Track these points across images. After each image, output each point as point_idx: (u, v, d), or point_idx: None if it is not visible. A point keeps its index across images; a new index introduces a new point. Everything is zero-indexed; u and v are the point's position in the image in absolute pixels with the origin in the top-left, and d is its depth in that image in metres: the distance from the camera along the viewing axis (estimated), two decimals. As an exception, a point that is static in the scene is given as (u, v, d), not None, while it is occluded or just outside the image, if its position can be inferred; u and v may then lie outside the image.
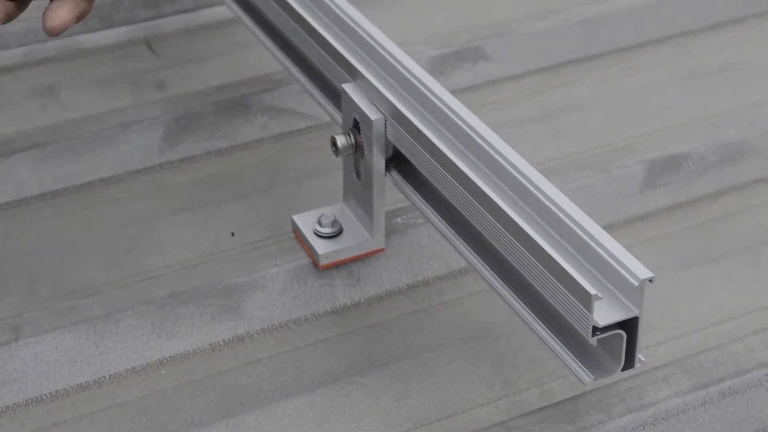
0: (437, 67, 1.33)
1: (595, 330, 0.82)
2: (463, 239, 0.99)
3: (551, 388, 1.00)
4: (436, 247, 1.10)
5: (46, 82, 1.36)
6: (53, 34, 1.04)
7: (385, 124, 1.02)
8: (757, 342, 1.01)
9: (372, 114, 1.01)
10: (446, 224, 1.01)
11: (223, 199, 1.20)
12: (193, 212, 1.19)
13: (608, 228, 0.89)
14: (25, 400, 1.00)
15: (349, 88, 1.04)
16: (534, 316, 0.92)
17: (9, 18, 1.05)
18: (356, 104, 1.03)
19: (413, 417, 0.99)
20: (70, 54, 1.40)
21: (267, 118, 1.28)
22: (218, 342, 1.05)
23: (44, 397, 1.00)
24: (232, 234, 1.16)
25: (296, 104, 1.28)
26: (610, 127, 1.30)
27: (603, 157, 1.22)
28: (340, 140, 1.05)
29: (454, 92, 1.00)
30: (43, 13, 1.04)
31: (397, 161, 1.04)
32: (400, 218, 1.12)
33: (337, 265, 1.09)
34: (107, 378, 1.02)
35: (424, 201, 1.03)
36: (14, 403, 0.99)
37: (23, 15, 1.35)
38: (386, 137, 1.02)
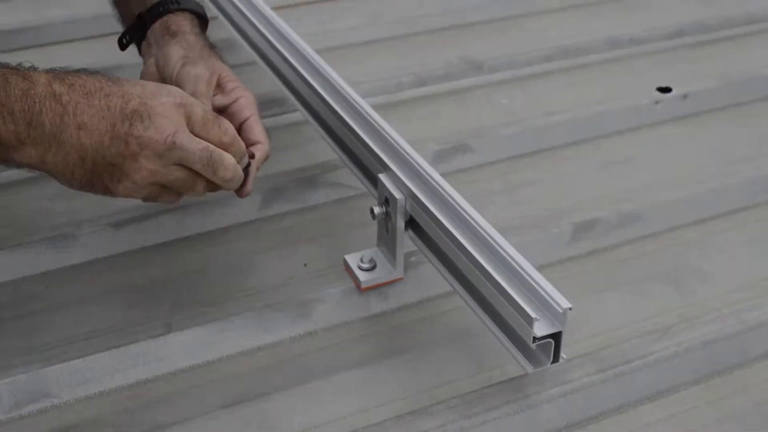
0: (440, 156, 1.34)
1: (534, 339, 0.86)
2: (450, 273, 1.02)
3: (508, 369, 1.02)
4: (435, 277, 1.09)
5: None
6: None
7: (405, 201, 1.04)
8: (638, 342, 1.03)
9: (397, 194, 1.04)
10: (440, 262, 1.03)
11: (299, 242, 1.21)
12: (279, 250, 1.19)
13: (547, 266, 0.92)
14: (174, 370, 1.02)
15: (383, 177, 1.06)
16: (496, 325, 0.95)
17: None
18: (387, 188, 1.05)
19: (419, 385, 1.02)
20: None
21: (328, 189, 1.28)
22: (296, 335, 1.07)
23: (185, 369, 1.02)
24: (305, 265, 1.17)
25: (347, 180, 1.27)
26: (551, 199, 1.30)
27: (545, 220, 1.23)
28: (377, 210, 1.07)
29: (450, 173, 1.01)
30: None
31: (412, 222, 1.05)
32: (413, 258, 1.13)
33: (373, 288, 1.10)
34: (225, 357, 1.04)
35: (426, 248, 1.05)
36: (166, 372, 1.02)
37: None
38: (406, 209, 1.04)
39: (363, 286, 1.10)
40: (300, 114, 1.31)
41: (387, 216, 1.08)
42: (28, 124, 0.86)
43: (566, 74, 1.62)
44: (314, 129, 1.25)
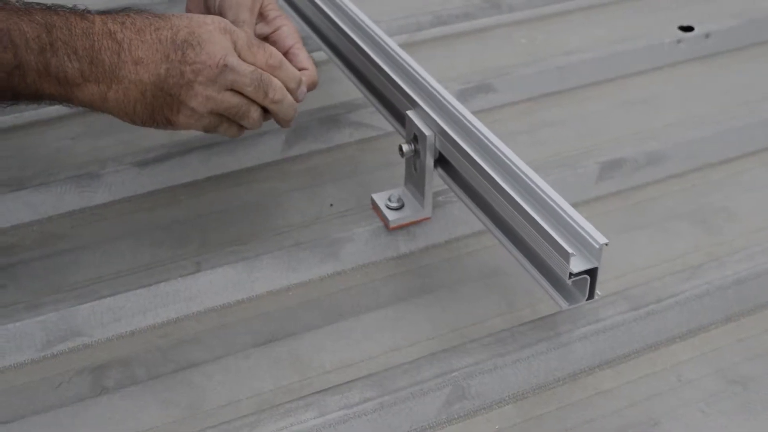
0: (462, 96, 1.33)
1: (571, 275, 0.85)
2: (482, 210, 1.01)
3: (539, 308, 1.02)
4: (464, 216, 1.10)
5: None
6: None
7: (435, 138, 1.03)
8: (669, 281, 1.03)
9: (426, 131, 1.02)
10: (471, 201, 1.02)
11: (324, 182, 1.20)
12: (305, 190, 1.18)
13: (574, 206, 0.90)
14: (205, 309, 1.02)
15: (411, 113, 1.05)
16: (530, 262, 0.94)
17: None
18: (416, 125, 1.04)
19: (450, 324, 1.02)
20: None
21: (352, 129, 1.27)
22: (325, 275, 1.07)
23: (216, 308, 1.03)
24: (331, 205, 1.16)
25: (370, 120, 1.27)
26: (575, 139, 1.29)
27: (571, 159, 1.22)
28: (405, 147, 1.05)
29: (473, 113, 1.01)
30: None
31: (441, 160, 1.04)
32: (441, 197, 1.12)
33: (401, 228, 1.10)
34: (255, 297, 1.04)
35: (457, 186, 1.04)
36: (196, 311, 1.02)
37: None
38: (435, 146, 1.03)
39: (391, 225, 1.09)
40: (320, 53, 1.29)
41: (415, 154, 1.07)
42: (90, 62, 0.89)
43: (586, 13, 1.60)
44: (338, 68, 1.23)
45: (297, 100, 1.02)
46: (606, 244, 0.86)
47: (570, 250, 0.86)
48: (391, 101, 1.12)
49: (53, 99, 0.92)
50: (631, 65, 1.45)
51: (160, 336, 1.00)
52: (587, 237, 0.87)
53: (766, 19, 1.54)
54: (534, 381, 0.95)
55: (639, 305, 1.00)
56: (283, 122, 1.03)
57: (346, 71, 1.22)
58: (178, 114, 0.93)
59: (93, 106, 0.92)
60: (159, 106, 0.93)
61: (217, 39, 0.92)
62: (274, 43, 1.06)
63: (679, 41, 1.48)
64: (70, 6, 0.92)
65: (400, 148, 1.07)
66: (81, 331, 0.99)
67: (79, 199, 1.16)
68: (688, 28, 1.51)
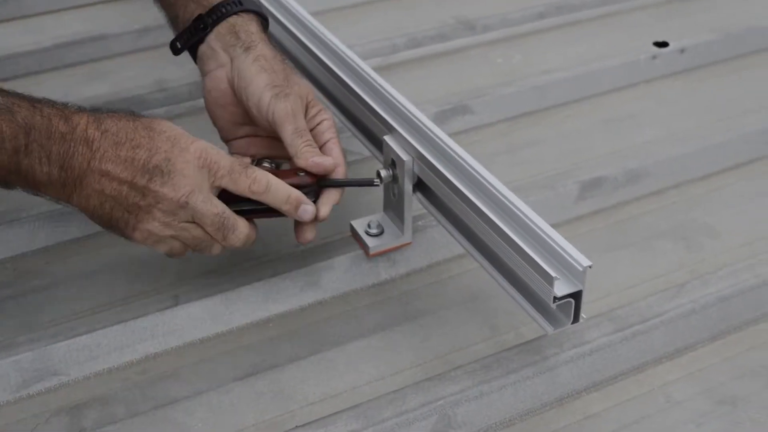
0: (439, 119, 1.32)
1: (555, 299, 0.85)
2: (462, 234, 1.00)
3: (523, 331, 1.02)
4: (444, 240, 1.09)
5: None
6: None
7: (413, 163, 1.02)
8: (653, 300, 1.03)
9: (404, 156, 1.02)
10: (451, 225, 1.02)
11: None
12: (284, 218, 1.09)
13: (554, 226, 0.89)
14: (184, 343, 1.01)
15: (388, 138, 1.04)
16: (513, 287, 0.94)
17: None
18: (393, 149, 1.03)
19: (434, 351, 1.00)
20: (197, 110, 1.32)
21: None
22: (305, 305, 1.06)
23: (195, 342, 1.01)
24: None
25: (347, 145, 1.21)
26: (554, 159, 1.28)
27: (550, 179, 1.21)
28: (383, 173, 1.04)
29: (451, 136, 0.99)
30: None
31: (420, 185, 1.04)
32: (421, 222, 1.11)
33: (381, 254, 1.09)
34: (235, 329, 1.03)
35: (436, 210, 1.03)
36: (175, 346, 1.01)
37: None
38: (413, 171, 1.02)
39: (371, 252, 1.08)
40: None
41: (394, 179, 1.06)
42: (60, 166, 0.91)
43: (561, 31, 1.60)
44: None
45: (300, 218, 1.01)
46: (590, 267, 0.85)
47: (553, 274, 0.85)
48: (368, 126, 1.11)
49: (22, 190, 0.94)
50: (608, 82, 1.45)
51: (138, 372, 0.99)
52: (570, 260, 0.87)
53: (740, 33, 1.55)
54: (521, 407, 0.94)
55: (624, 326, 1.00)
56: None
57: (322, 97, 1.21)
58: (134, 231, 0.95)
59: (58, 202, 0.95)
60: (116, 219, 0.94)
61: (189, 172, 0.93)
62: (313, 136, 1.05)
63: (654, 57, 1.48)
64: (62, 103, 0.93)
65: (378, 174, 1.06)
66: (57, 370, 0.97)
67: (53, 234, 1.14)
68: (663, 44, 1.52)
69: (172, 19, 1.15)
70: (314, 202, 1.02)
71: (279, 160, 1.09)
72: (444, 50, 1.53)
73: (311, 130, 1.05)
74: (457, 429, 0.92)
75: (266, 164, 1.06)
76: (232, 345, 1.02)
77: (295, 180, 1.01)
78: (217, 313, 1.03)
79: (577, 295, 0.87)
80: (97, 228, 1.12)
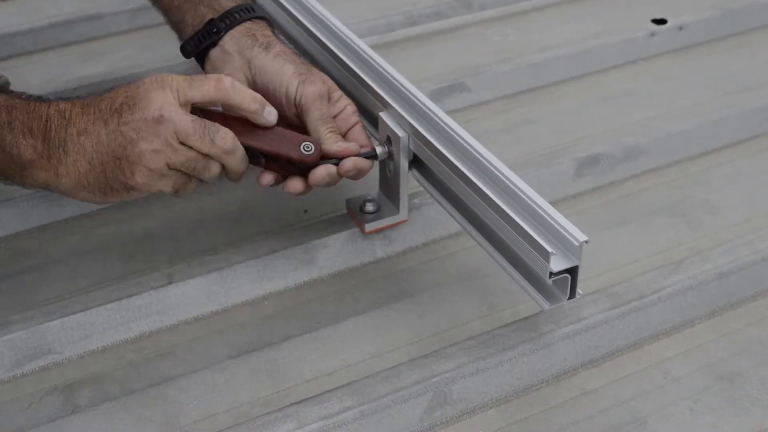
0: (436, 96, 1.31)
1: (551, 274, 0.84)
2: (458, 211, 0.99)
3: (520, 308, 1.01)
4: (440, 218, 1.09)
5: None
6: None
7: (408, 139, 1.01)
8: (651, 276, 1.01)
9: (400, 133, 1.01)
10: (447, 202, 1.01)
11: None
12: (278, 196, 1.11)
13: (552, 203, 0.88)
14: (178, 322, 1.01)
15: (383, 115, 1.03)
16: (509, 263, 0.93)
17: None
18: (389, 126, 1.02)
19: (430, 328, 1.00)
20: None
21: None
22: (301, 283, 1.06)
23: (189, 320, 1.01)
24: (305, 211, 1.15)
25: None
26: (551, 136, 1.28)
27: (547, 157, 1.20)
28: (379, 150, 1.03)
29: (448, 113, 0.99)
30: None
31: (416, 162, 1.03)
32: (417, 199, 1.11)
33: (377, 232, 1.08)
34: (230, 307, 1.03)
35: (432, 187, 1.03)
36: (170, 324, 1.01)
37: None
38: (409, 147, 1.02)
39: (367, 229, 1.07)
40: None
41: (389, 156, 1.05)
42: (42, 138, 0.91)
43: (558, 8, 1.60)
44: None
45: (263, 124, 0.98)
46: (586, 242, 0.85)
47: (550, 249, 0.85)
48: (363, 103, 1.10)
49: (7, 178, 0.94)
50: (606, 60, 1.45)
51: (133, 351, 0.98)
52: (567, 235, 0.86)
53: (739, 9, 1.54)
54: (517, 383, 0.94)
55: (621, 302, 0.99)
56: (232, 175, 0.99)
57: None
58: (133, 176, 0.92)
59: (49, 186, 0.93)
60: (111, 173, 0.92)
61: (152, 95, 0.92)
62: (339, 121, 1.05)
63: (652, 34, 1.48)
64: (36, 95, 0.95)
65: (374, 151, 1.04)
66: (51, 348, 0.96)
67: (47, 214, 1.14)
68: (661, 21, 1.50)
69: (177, 22, 1.13)
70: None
71: None
72: (441, 28, 1.53)
73: (335, 117, 1.05)
74: (453, 405, 0.91)
75: (308, 149, 1.04)
76: (227, 323, 1.02)
77: (298, 155, 0.99)
78: (212, 291, 1.03)
79: (573, 271, 0.86)
80: (91, 207, 1.14)
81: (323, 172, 1.00)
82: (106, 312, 0.99)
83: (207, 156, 0.95)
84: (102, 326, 0.98)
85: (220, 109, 0.98)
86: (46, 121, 0.91)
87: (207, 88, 0.94)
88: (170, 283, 1.02)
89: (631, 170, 1.22)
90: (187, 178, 0.96)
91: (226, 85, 0.95)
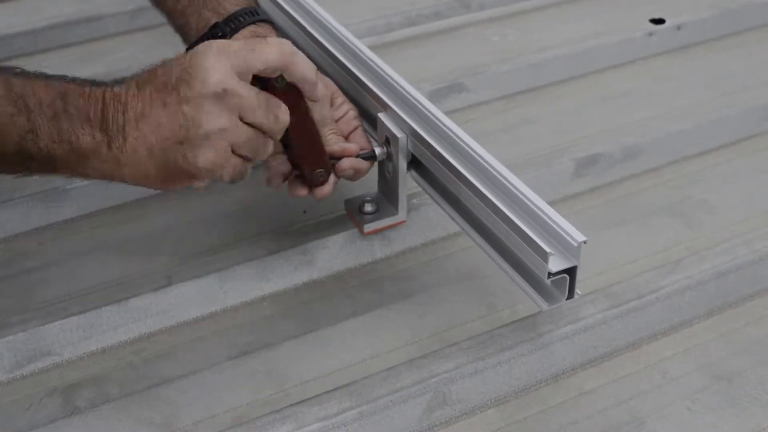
0: (434, 97, 1.31)
1: (549, 274, 0.84)
2: (457, 212, 0.99)
3: (519, 309, 1.01)
4: (439, 218, 1.09)
5: None
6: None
7: (407, 140, 1.01)
8: (649, 276, 1.01)
9: (398, 133, 1.01)
10: (446, 203, 1.01)
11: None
12: (277, 197, 1.13)
13: (551, 204, 0.88)
14: (177, 323, 1.01)
15: (382, 116, 1.03)
16: (508, 263, 0.93)
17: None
18: (387, 127, 1.02)
19: (429, 329, 1.00)
20: None
21: None
22: (300, 283, 1.05)
23: (189, 321, 1.01)
24: (304, 212, 1.14)
25: None
26: (550, 136, 1.28)
27: (546, 157, 1.20)
28: (378, 150, 1.03)
29: (447, 113, 0.99)
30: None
31: (414, 163, 1.03)
32: (415, 200, 1.10)
33: (376, 232, 1.08)
34: (229, 308, 1.03)
35: (431, 188, 1.02)
36: (169, 325, 1.00)
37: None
38: (408, 148, 1.02)
39: (366, 230, 1.07)
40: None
41: (388, 156, 1.05)
42: (100, 124, 0.86)
43: (557, 8, 1.59)
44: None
45: (315, 99, 0.94)
46: (584, 242, 0.85)
47: (548, 249, 0.85)
48: (362, 104, 1.10)
49: (66, 169, 0.88)
50: (605, 60, 1.44)
51: (132, 352, 0.98)
52: (565, 235, 0.86)
53: (737, 9, 1.54)
54: (516, 384, 0.94)
55: (620, 302, 0.99)
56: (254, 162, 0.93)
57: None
58: (196, 159, 0.85)
59: (110, 176, 0.89)
60: (173, 160, 0.86)
61: (210, 64, 0.84)
62: (341, 124, 1.04)
63: (651, 34, 1.48)
64: (90, 79, 0.89)
65: (373, 152, 1.05)
66: (50, 350, 0.96)
67: (46, 215, 1.13)
68: (659, 21, 1.50)
69: (182, 26, 1.12)
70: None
71: None
72: (439, 28, 1.53)
73: (337, 120, 1.04)
74: (452, 406, 0.91)
75: None
76: (226, 324, 1.02)
77: (312, 177, 1.00)
78: (211, 292, 1.03)
79: (571, 271, 0.86)
80: (91, 208, 1.14)
81: (328, 189, 1.00)
82: (106, 313, 0.99)
83: (266, 134, 0.89)
84: (101, 327, 0.98)
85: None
86: (102, 106, 0.86)
87: (270, 55, 0.87)
88: (169, 284, 1.02)
89: (630, 170, 1.22)
90: (246, 161, 0.90)
91: (289, 50, 0.88)
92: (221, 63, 0.85)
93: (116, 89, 0.87)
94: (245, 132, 0.87)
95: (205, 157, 0.86)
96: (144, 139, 0.85)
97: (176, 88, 0.85)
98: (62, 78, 0.89)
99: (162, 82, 0.86)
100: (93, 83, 0.88)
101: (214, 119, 0.84)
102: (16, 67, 0.89)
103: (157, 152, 0.86)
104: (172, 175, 0.87)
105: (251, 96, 0.86)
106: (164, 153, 0.86)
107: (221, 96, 0.84)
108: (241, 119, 0.87)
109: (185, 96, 0.84)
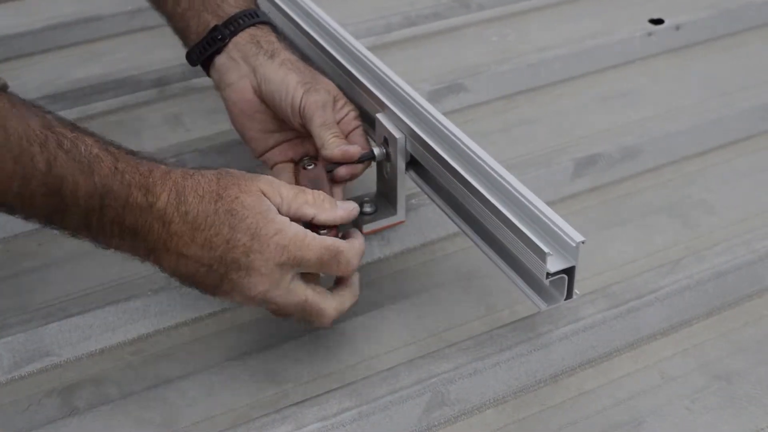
0: (433, 97, 1.31)
1: (548, 275, 0.84)
2: (456, 212, 0.99)
3: (518, 309, 1.01)
4: (438, 219, 1.08)
5: (174, 111, 1.33)
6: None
7: (405, 140, 1.01)
8: (648, 276, 1.01)
9: (396, 134, 1.00)
10: (444, 203, 1.01)
11: None
12: None
13: (550, 204, 0.87)
14: (176, 323, 1.00)
15: (380, 116, 1.03)
16: (506, 263, 0.93)
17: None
18: (386, 127, 1.02)
19: (428, 329, 1.00)
20: (190, 91, 1.36)
21: None
22: (300, 284, 1.05)
23: (188, 321, 1.01)
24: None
25: None
26: (549, 136, 1.28)
27: (545, 157, 1.20)
28: (376, 151, 1.03)
29: (446, 114, 0.99)
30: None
31: (413, 163, 1.03)
32: (414, 200, 1.11)
33: (375, 233, 1.07)
34: (228, 309, 1.02)
35: (430, 188, 1.02)
36: (168, 326, 1.00)
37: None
38: (406, 148, 1.02)
39: (365, 230, 1.06)
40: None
41: (386, 157, 1.04)
42: (134, 237, 0.86)
43: (556, 9, 1.59)
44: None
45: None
46: (583, 242, 0.85)
47: (546, 250, 0.85)
48: (360, 104, 1.10)
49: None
50: (604, 60, 1.44)
51: (131, 353, 0.98)
52: (563, 236, 0.86)
53: (736, 9, 1.54)
54: (515, 384, 0.94)
55: (619, 302, 0.99)
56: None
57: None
58: (214, 296, 0.90)
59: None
60: (196, 285, 0.89)
61: (268, 271, 0.87)
62: (341, 125, 1.04)
63: (649, 34, 1.47)
64: (147, 166, 0.86)
65: (371, 152, 1.04)
66: (49, 350, 0.96)
67: (46, 215, 1.13)
68: (658, 21, 1.50)
69: (182, 29, 1.12)
70: None
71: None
72: (439, 29, 1.52)
73: (338, 123, 1.04)
74: (451, 406, 0.91)
75: (308, 164, 1.04)
76: (225, 325, 1.01)
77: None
78: (210, 293, 1.02)
79: (570, 271, 0.86)
80: None
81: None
82: (105, 314, 0.98)
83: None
84: (100, 328, 0.98)
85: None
86: (144, 223, 0.85)
87: (333, 271, 0.92)
88: (169, 285, 1.01)
89: (629, 170, 1.22)
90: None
91: (346, 272, 0.93)
92: (278, 273, 0.87)
93: (170, 212, 0.85)
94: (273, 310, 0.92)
95: (236, 299, 0.90)
96: (176, 270, 0.88)
97: (227, 266, 0.86)
98: (115, 166, 0.85)
99: (219, 245, 0.86)
100: (144, 183, 0.85)
101: (246, 301, 0.90)
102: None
103: (185, 279, 0.89)
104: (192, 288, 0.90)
105: (291, 305, 0.90)
106: (191, 282, 0.89)
107: (260, 302, 0.89)
108: None
109: (232, 279, 0.87)
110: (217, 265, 0.86)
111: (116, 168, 0.85)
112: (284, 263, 0.87)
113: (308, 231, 0.89)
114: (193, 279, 0.88)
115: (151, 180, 0.85)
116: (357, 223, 1.03)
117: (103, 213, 0.84)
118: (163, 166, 0.88)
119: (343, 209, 0.94)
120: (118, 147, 0.87)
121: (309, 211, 0.91)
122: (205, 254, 0.86)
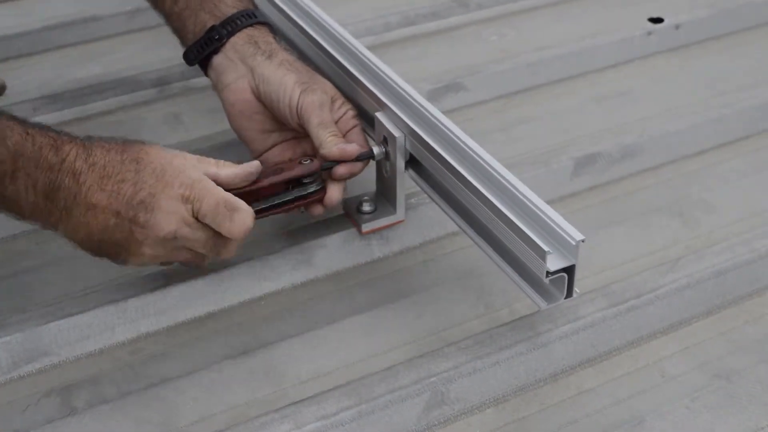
0: (432, 96, 1.31)
1: (548, 273, 0.84)
2: (455, 211, 0.99)
3: (517, 308, 1.01)
4: (437, 218, 1.08)
5: (174, 111, 1.33)
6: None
7: (405, 139, 1.01)
8: (648, 275, 1.02)
9: (396, 133, 1.01)
10: (444, 202, 1.01)
11: None
12: None
13: (549, 203, 0.88)
14: (175, 323, 1.00)
15: (380, 115, 1.03)
16: (505, 262, 0.93)
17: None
18: (385, 126, 1.02)
19: (427, 328, 1.00)
20: (190, 91, 1.36)
21: None
22: (298, 283, 1.05)
23: (186, 321, 1.01)
24: (302, 211, 1.09)
25: None
26: (549, 135, 1.27)
27: (544, 156, 1.20)
28: (376, 150, 1.03)
29: (445, 113, 0.99)
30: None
31: (412, 162, 1.03)
32: (413, 199, 1.10)
33: (374, 232, 1.07)
34: (227, 308, 1.02)
35: (429, 187, 1.02)
36: (167, 326, 1.00)
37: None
38: (406, 147, 1.02)
39: (364, 229, 1.07)
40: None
41: (386, 156, 1.04)
42: (46, 196, 0.89)
43: (555, 8, 1.59)
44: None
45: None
46: (582, 241, 0.84)
47: (546, 248, 0.85)
48: (360, 104, 1.10)
49: (6, 215, 0.92)
50: (603, 59, 1.44)
51: (130, 352, 0.98)
52: (563, 234, 0.86)
53: (735, 8, 1.53)
54: (515, 383, 0.94)
55: (619, 301, 0.98)
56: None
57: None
58: (126, 260, 0.94)
59: (44, 228, 0.93)
60: (106, 250, 0.93)
61: (173, 208, 0.91)
62: (339, 124, 1.05)
63: (649, 33, 1.47)
64: (55, 131, 0.91)
65: (371, 151, 1.04)
66: (48, 350, 0.96)
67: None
68: (657, 20, 1.50)
69: (179, 29, 1.12)
70: (320, 188, 1.02)
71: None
72: (437, 28, 1.52)
73: (336, 122, 1.04)
74: (451, 405, 0.91)
75: (306, 161, 1.04)
76: (224, 323, 1.01)
77: (300, 169, 1.00)
78: (209, 291, 1.02)
79: (570, 270, 0.86)
80: None
81: (320, 210, 1.04)
82: (103, 313, 0.98)
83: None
84: (99, 328, 0.98)
85: None
86: (55, 180, 0.88)
87: (223, 228, 0.94)
88: (167, 284, 1.01)
89: (628, 169, 1.22)
90: (197, 255, 0.97)
91: (235, 235, 0.95)
92: (184, 209, 0.92)
93: (78, 164, 0.89)
94: (183, 255, 0.96)
95: (136, 263, 0.95)
96: (87, 225, 0.91)
97: (134, 209, 0.90)
98: (26, 133, 0.89)
99: (127, 191, 0.90)
100: (55, 144, 0.89)
101: (154, 249, 0.93)
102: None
103: (96, 240, 0.92)
104: (102, 256, 0.94)
105: (200, 241, 0.94)
106: (101, 243, 0.92)
107: (169, 239, 0.92)
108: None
109: (139, 221, 0.91)
110: (125, 210, 0.90)
111: (27, 133, 0.89)
112: (188, 199, 0.91)
113: (212, 181, 0.93)
114: (103, 236, 0.91)
115: (59, 141, 0.90)
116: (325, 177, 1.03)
117: (15, 177, 0.87)
118: (70, 134, 0.92)
119: (243, 166, 0.97)
120: (25, 119, 0.91)
121: (212, 169, 0.95)
122: (113, 201, 0.90)
